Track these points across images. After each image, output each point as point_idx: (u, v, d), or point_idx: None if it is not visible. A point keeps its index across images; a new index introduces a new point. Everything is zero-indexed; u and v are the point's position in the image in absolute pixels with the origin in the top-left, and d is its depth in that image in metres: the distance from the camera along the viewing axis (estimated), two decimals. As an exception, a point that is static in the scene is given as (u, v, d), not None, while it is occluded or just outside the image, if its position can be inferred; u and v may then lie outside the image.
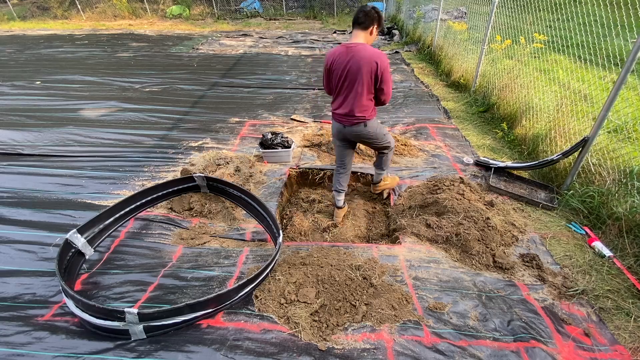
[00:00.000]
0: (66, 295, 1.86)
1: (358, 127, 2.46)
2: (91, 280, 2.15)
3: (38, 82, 6.23)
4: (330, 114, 4.77)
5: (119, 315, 1.70)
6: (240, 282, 1.93)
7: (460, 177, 2.99)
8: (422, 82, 6.24)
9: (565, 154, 2.94)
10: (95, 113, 4.84)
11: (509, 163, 3.40)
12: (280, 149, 3.48)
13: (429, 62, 7.56)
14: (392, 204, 3.05)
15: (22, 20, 14.51)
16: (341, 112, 2.45)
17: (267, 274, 2.11)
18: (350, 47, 2.25)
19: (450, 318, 1.93)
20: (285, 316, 1.89)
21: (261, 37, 10.92)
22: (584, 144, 2.83)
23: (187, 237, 2.58)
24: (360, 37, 2.28)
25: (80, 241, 2.16)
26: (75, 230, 2.14)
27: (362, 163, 3.57)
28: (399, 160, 3.60)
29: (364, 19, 2.23)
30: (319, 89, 5.92)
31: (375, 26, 2.28)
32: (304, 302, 1.93)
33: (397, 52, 8.56)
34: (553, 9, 4.43)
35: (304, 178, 3.54)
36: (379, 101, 2.43)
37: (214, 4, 14.74)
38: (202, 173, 3.05)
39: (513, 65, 4.67)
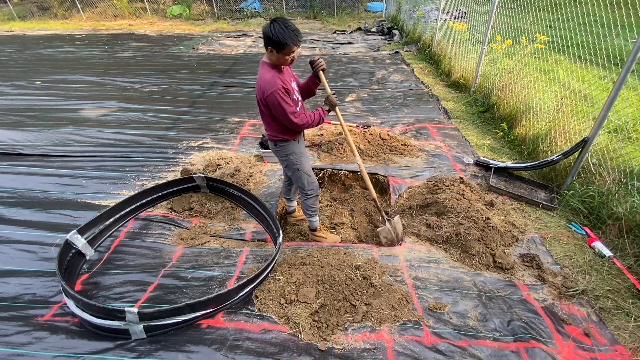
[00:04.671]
0: (66, 295, 1.86)
1: (271, 143, 2.37)
2: (91, 281, 2.15)
3: (38, 82, 6.23)
4: (331, 114, 4.81)
5: (119, 315, 1.71)
6: (240, 282, 1.93)
7: (460, 177, 2.99)
8: (422, 82, 6.23)
9: (566, 154, 2.94)
10: (95, 113, 4.84)
11: (509, 163, 3.39)
12: (280, 149, 3.48)
13: (429, 62, 7.55)
14: (391, 203, 3.05)
15: (22, 20, 14.52)
16: None
17: (267, 274, 2.11)
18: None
19: (450, 318, 1.93)
20: (285, 316, 1.89)
21: (261, 37, 10.91)
22: (584, 144, 2.82)
23: (187, 237, 2.58)
24: (265, 56, 2.11)
25: (80, 242, 2.16)
26: (75, 231, 2.14)
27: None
28: (399, 160, 3.60)
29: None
30: (319, 89, 5.90)
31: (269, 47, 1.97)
32: (304, 302, 1.93)
33: (397, 52, 8.56)
34: (553, 9, 4.42)
35: (304, 178, 3.53)
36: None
37: (214, 4, 14.73)
38: (202, 173, 3.05)
39: (513, 65, 4.67)
